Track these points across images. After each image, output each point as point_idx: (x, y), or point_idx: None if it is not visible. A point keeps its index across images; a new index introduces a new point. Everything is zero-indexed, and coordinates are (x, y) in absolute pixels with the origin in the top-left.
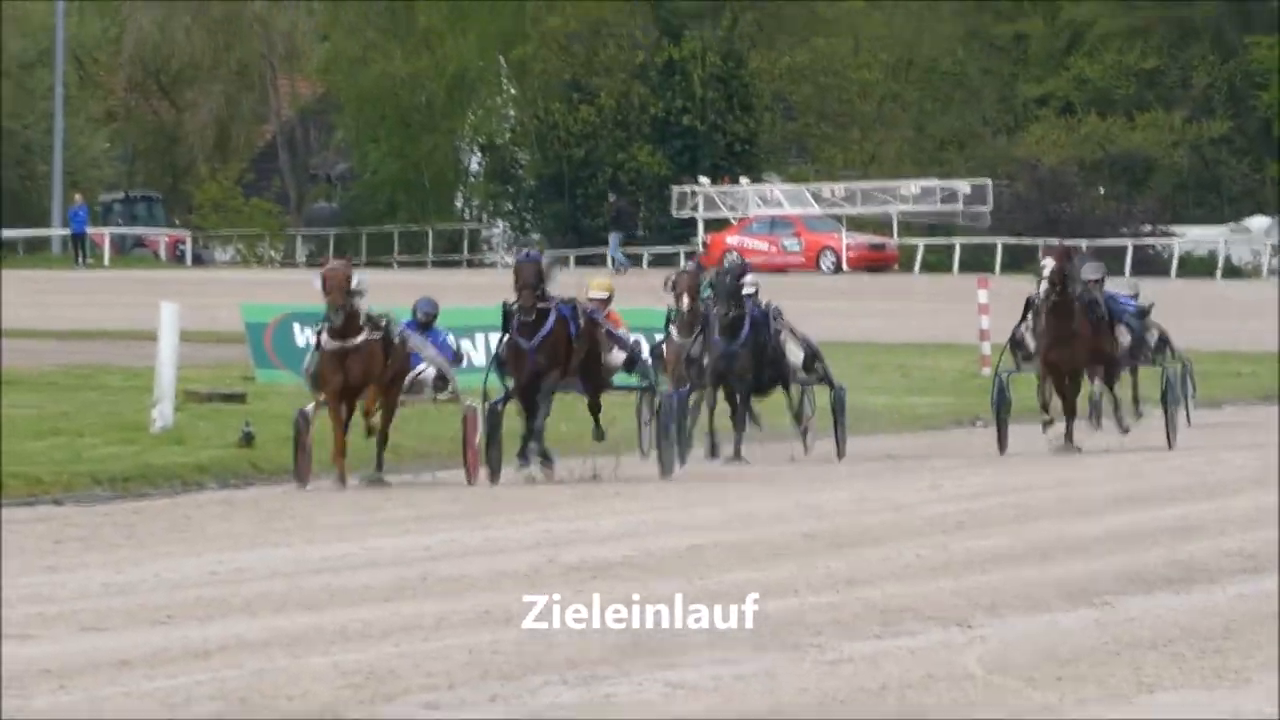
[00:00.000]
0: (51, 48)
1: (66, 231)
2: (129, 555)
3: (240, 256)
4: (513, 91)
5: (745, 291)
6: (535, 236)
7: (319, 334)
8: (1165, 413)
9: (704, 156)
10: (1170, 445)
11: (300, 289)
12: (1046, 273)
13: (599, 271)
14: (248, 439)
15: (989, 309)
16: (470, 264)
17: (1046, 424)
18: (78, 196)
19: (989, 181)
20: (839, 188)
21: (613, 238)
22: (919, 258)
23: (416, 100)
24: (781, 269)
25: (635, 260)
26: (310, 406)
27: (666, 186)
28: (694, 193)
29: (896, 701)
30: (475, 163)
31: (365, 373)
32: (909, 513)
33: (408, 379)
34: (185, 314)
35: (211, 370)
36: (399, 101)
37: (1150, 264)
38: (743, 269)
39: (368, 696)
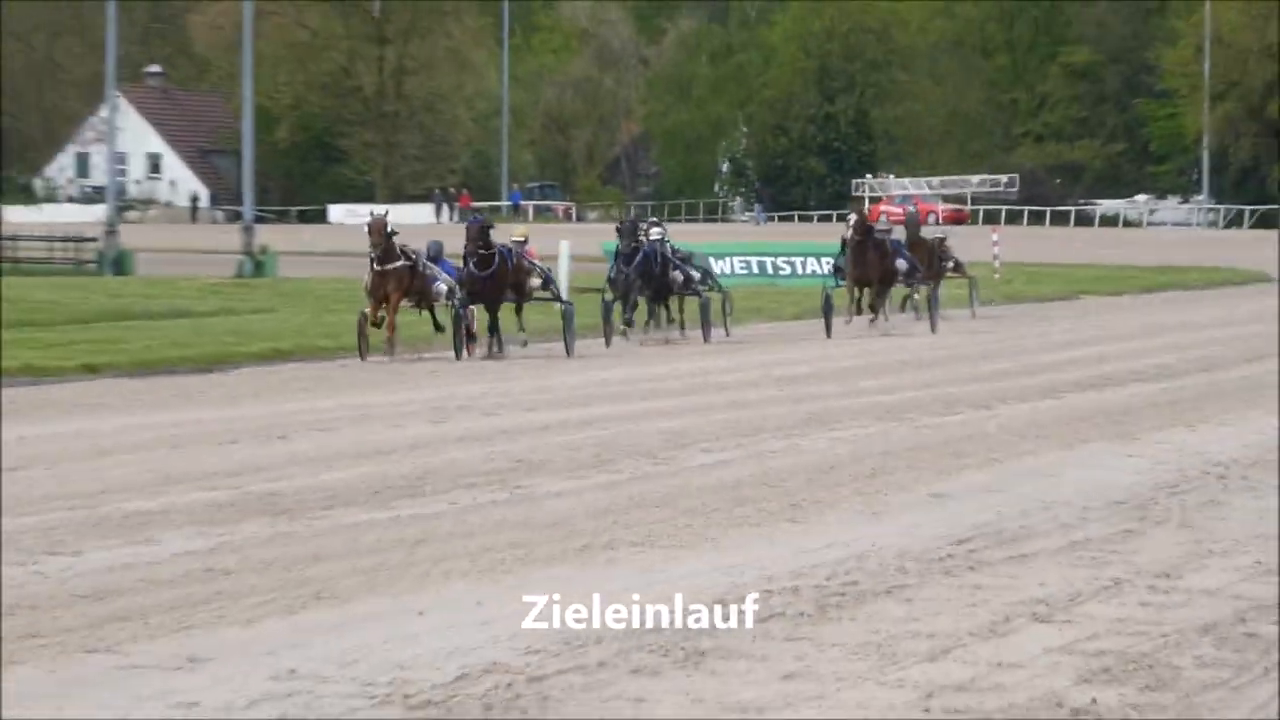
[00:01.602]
0: (500, 108)
1: (509, 202)
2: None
3: (601, 217)
4: (744, 129)
5: (653, 235)
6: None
7: (371, 261)
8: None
9: (846, 163)
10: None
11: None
12: (852, 221)
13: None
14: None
15: (1000, 242)
16: (724, 221)
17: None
18: (514, 185)
19: (1011, 176)
20: (935, 179)
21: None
22: (981, 216)
23: (695, 135)
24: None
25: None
26: (367, 309)
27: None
28: (861, 183)
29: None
30: (724, 167)
31: (397, 286)
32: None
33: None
34: (572, 247)
35: (584, 276)
36: (685, 135)
37: (1083, 219)
38: (656, 222)
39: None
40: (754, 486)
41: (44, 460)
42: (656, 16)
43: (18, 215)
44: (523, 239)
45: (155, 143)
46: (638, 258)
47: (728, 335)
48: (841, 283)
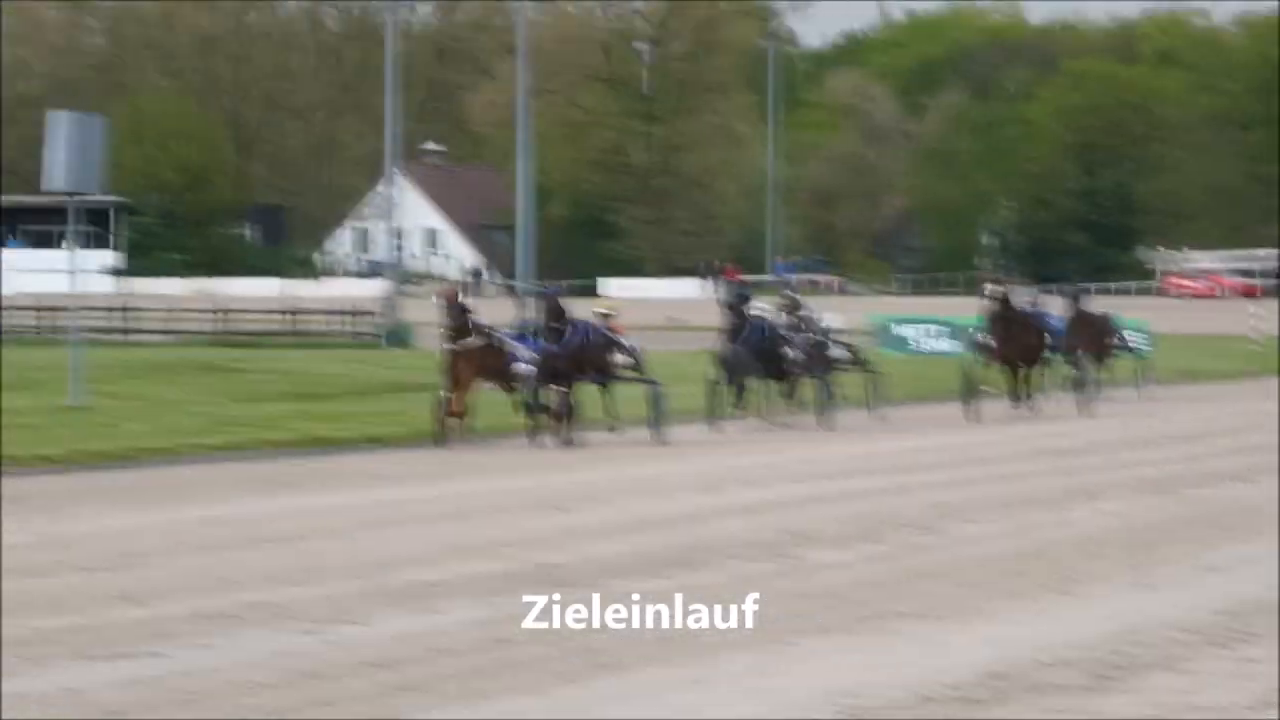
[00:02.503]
0: (767, 183)
1: (772, 276)
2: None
3: (866, 289)
4: (1007, 202)
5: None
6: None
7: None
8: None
9: (1108, 236)
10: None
11: (891, 304)
12: (990, 292)
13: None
14: (873, 379)
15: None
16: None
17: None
18: (780, 258)
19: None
20: (1224, 253)
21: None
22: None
23: (958, 209)
24: (1206, 294)
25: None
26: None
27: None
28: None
29: None
30: (986, 237)
31: (470, 365)
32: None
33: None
34: (837, 320)
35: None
36: (948, 209)
37: None
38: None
39: None
40: (1023, 559)
41: (330, 531)
42: (920, 92)
43: (299, 289)
44: (607, 313)
45: (433, 218)
46: (746, 333)
47: (871, 415)
48: (980, 359)
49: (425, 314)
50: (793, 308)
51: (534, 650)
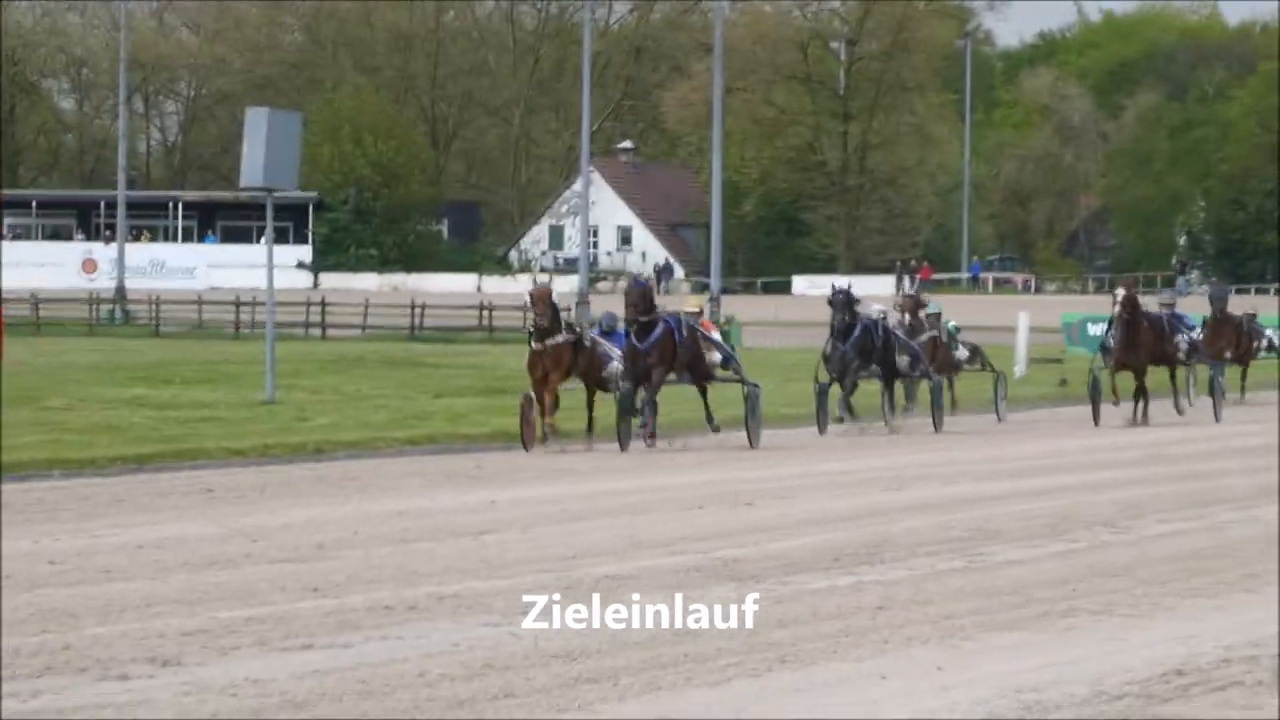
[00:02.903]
0: (962, 181)
1: (968, 274)
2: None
3: (1059, 289)
4: (1202, 203)
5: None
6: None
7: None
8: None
9: None
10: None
11: (1083, 303)
12: (1120, 297)
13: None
14: (1063, 383)
15: None
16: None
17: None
18: (974, 257)
19: None
20: None
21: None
22: None
23: (1153, 209)
24: None
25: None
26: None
27: None
28: None
29: None
30: (1181, 240)
31: (556, 365)
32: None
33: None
34: (1032, 317)
35: (1040, 347)
36: (1142, 209)
37: None
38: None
39: None
40: (1210, 557)
41: (518, 524)
42: (1116, 92)
43: (493, 285)
44: (698, 310)
45: (626, 216)
46: (855, 334)
47: (999, 420)
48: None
49: (615, 309)
50: (915, 308)
51: (716, 643)
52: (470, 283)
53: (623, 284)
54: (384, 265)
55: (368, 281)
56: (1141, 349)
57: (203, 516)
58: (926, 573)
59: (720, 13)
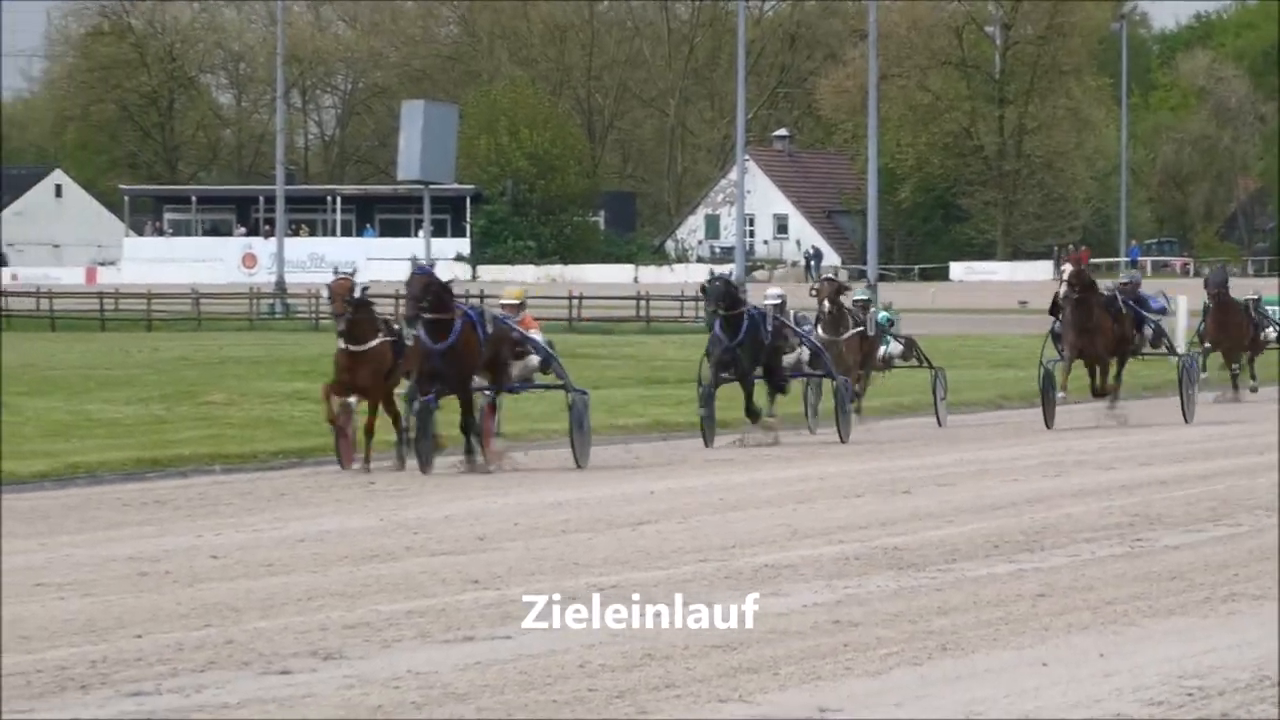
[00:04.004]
0: (1119, 165)
1: (1127, 258)
2: None
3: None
4: None
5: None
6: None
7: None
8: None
9: None
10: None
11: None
12: (1066, 273)
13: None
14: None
15: None
16: None
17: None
18: (1133, 241)
19: None
20: None
21: None
22: None
23: None
24: None
25: None
26: (353, 399)
27: None
28: None
29: None
30: None
31: (375, 375)
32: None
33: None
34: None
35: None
36: None
37: None
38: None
39: None
40: None
41: (676, 514)
42: (1273, 74)
43: (650, 276)
44: (517, 302)
45: (782, 204)
46: (744, 327)
47: (939, 424)
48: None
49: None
50: (835, 295)
51: (876, 633)
52: (627, 273)
53: (779, 273)
54: (541, 256)
55: (525, 273)
56: (1101, 334)
57: (364, 510)
58: (1087, 559)
59: None
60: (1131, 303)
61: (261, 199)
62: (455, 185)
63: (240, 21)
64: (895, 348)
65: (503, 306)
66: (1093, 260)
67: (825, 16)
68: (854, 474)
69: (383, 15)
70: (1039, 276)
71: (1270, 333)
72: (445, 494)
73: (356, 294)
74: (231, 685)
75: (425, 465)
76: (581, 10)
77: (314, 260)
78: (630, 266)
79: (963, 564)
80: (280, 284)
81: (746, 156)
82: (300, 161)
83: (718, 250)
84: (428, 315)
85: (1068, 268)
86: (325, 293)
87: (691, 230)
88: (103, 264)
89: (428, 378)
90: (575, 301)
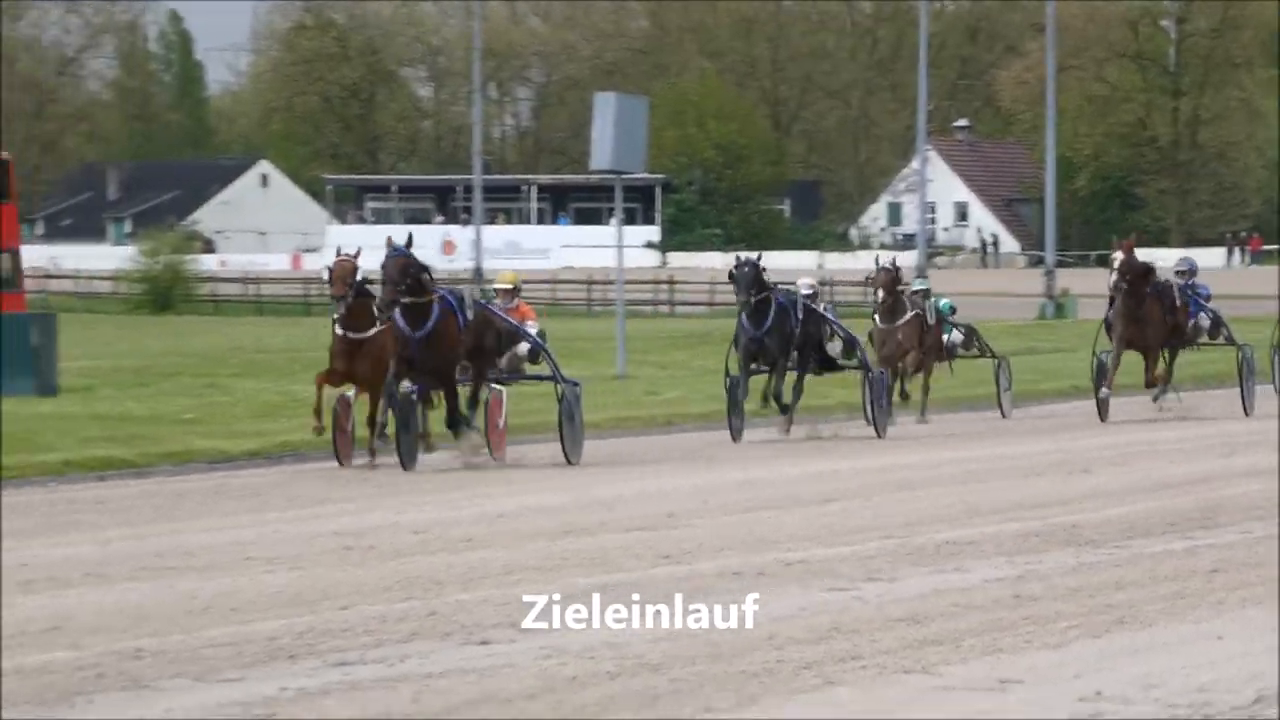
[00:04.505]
0: None
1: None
2: None
3: None
4: None
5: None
6: None
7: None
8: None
9: None
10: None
11: None
12: (1117, 262)
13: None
14: None
15: None
16: None
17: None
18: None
19: None
20: None
21: None
22: None
23: None
24: None
25: None
26: (352, 393)
27: None
28: None
29: None
30: None
31: (374, 364)
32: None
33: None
34: None
35: None
36: None
37: None
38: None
39: None
40: None
41: (860, 492)
42: None
43: (835, 262)
44: (510, 286)
45: (962, 192)
46: (771, 315)
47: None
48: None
49: (951, 284)
50: (892, 285)
51: (1056, 606)
52: (812, 260)
53: (960, 260)
54: (729, 244)
55: (713, 259)
56: (1150, 324)
57: (559, 488)
58: (1261, 535)
59: None
60: (1188, 291)
61: (460, 188)
62: (646, 175)
63: (439, 16)
64: (956, 336)
65: (496, 292)
66: (1264, 247)
67: (1005, 11)
68: (1034, 454)
69: (575, 10)
70: (1213, 263)
71: None
72: (637, 471)
73: (359, 277)
74: (434, 655)
75: (408, 462)
76: (768, 5)
77: (510, 247)
78: (815, 253)
79: (1139, 540)
80: (478, 270)
81: (928, 146)
82: (497, 152)
83: (899, 237)
84: (406, 300)
85: (1118, 255)
86: (326, 274)
87: (874, 218)
88: (307, 250)
89: (404, 366)
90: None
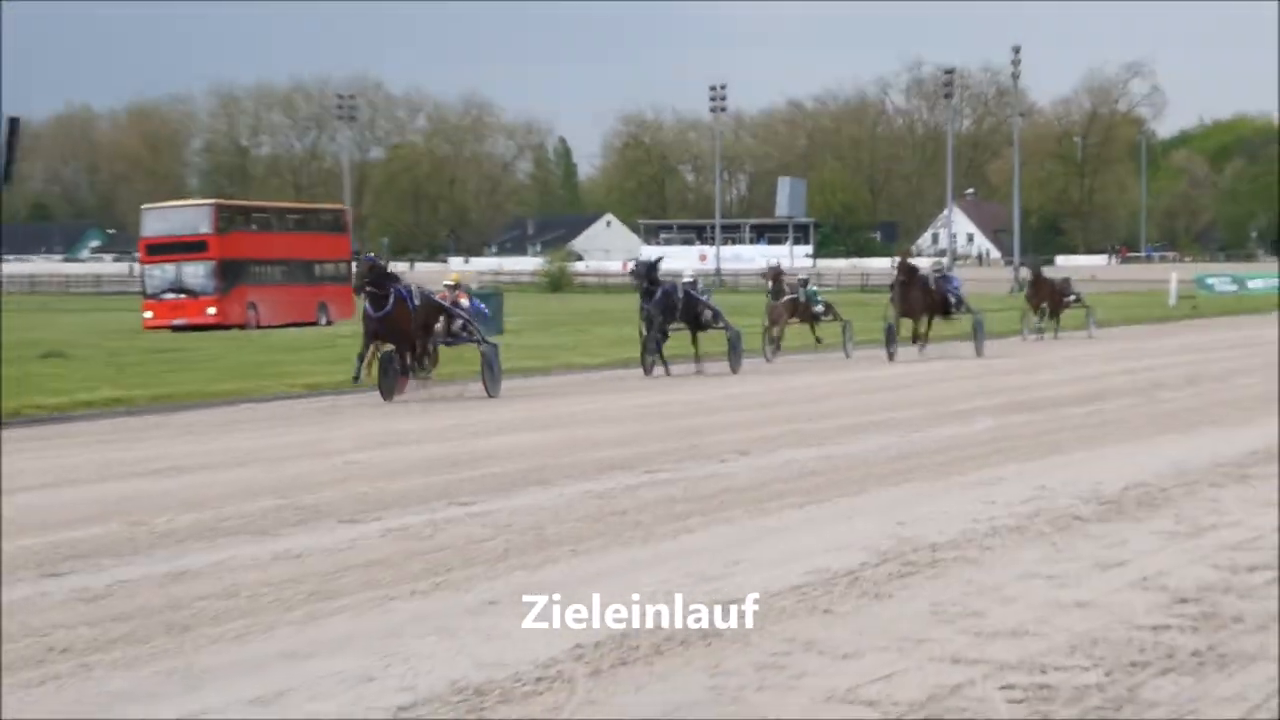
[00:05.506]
0: None
1: None
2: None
3: None
4: None
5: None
6: None
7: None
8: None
9: None
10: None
11: None
12: (896, 264)
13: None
14: None
15: None
16: None
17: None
18: None
19: None
20: None
21: None
22: None
23: None
24: None
25: None
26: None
27: None
28: None
29: None
30: None
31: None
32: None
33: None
34: None
35: None
36: None
37: None
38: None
39: None
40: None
41: (720, 408)
42: None
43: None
44: (453, 282)
45: (970, 226)
46: (657, 295)
47: (847, 356)
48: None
49: None
50: (776, 277)
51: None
52: (888, 263)
53: (968, 262)
54: (848, 255)
55: (839, 264)
56: (915, 303)
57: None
58: (1121, 406)
59: None
60: (942, 282)
61: (708, 226)
62: (804, 218)
63: (695, 137)
64: (819, 308)
65: (443, 286)
66: None
67: (992, 131)
68: (836, 381)
69: (769, 132)
70: (1100, 263)
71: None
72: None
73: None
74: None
75: (387, 395)
76: (865, 128)
77: (734, 257)
78: (888, 259)
79: (1065, 409)
80: (718, 270)
81: (952, 203)
82: (726, 207)
83: (938, 250)
84: (369, 289)
85: (898, 259)
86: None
87: (925, 240)
88: (629, 260)
89: (371, 335)
90: None
